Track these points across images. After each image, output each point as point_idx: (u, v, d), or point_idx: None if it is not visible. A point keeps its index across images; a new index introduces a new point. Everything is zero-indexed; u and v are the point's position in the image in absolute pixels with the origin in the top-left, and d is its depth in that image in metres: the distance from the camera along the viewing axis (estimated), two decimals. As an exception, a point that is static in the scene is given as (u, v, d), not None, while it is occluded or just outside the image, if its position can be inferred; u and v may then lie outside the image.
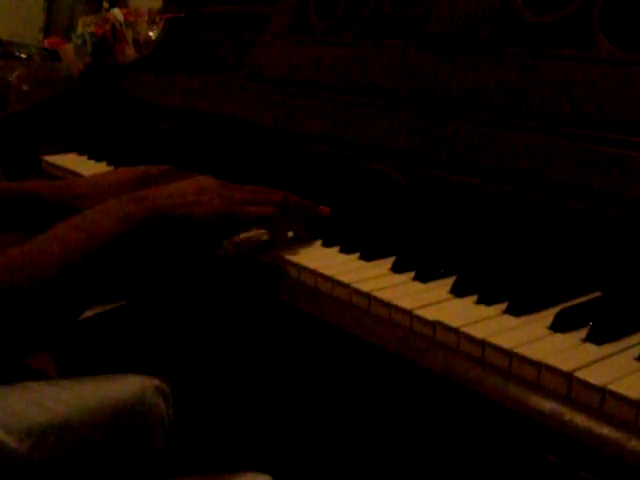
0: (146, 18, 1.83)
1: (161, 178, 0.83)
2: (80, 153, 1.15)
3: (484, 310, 0.56)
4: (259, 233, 0.73)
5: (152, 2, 1.89)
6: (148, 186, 0.73)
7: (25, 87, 1.44)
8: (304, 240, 0.72)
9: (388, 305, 0.57)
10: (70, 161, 1.11)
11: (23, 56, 1.82)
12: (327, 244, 0.70)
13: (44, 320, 0.58)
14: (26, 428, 0.49)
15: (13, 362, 0.58)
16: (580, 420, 0.44)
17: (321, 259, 0.67)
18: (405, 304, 0.56)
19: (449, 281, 0.60)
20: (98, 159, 1.11)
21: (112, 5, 2.17)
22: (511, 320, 0.54)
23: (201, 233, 0.66)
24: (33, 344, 0.60)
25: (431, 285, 0.61)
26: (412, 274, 0.63)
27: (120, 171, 0.89)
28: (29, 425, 0.50)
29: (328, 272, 0.63)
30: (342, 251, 0.69)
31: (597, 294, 0.59)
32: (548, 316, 0.53)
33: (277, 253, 0.69)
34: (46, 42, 2.17)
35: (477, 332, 0.51)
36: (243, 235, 0.72)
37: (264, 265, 0.69)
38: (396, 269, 0.64)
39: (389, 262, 0.65)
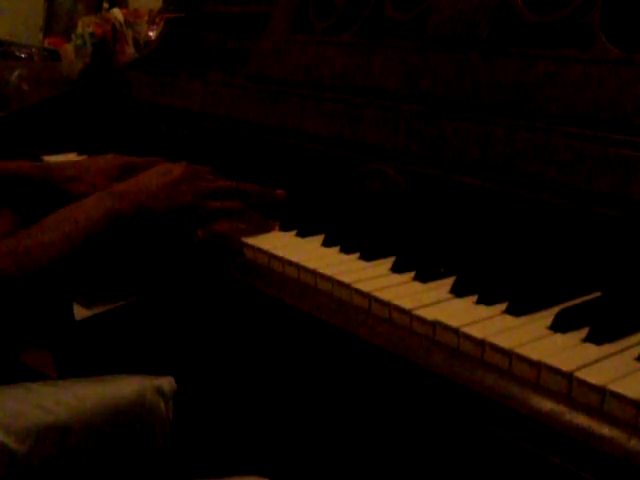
0: (146, 18, 1.83)
1: (146, 168, 0.83)
2: (80, 153, 1.15)
3: (484, 310, 0.56)
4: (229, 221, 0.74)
5: (152, 2, 1.89)
6: (132, 174, 0.74)
7: (25, 87, 1.44)
8: (262, 227, 0.74)
9: (388, 305, 0.57)
10: (70, 161, 1.11)
11: (23, 56, 1.82)
12: (327, 244, 0.70)
13: (32, 310, 0.59)
14: (26, 429, 0.49)
15: (2, 357, 0.59)
16: (580, 420, 0.44)
17: (321, 259, 0.67)
18: (405, 304, 0.56)
19: (449, 281, 0.60)
20: (98, 159, 1.11)
21: (112, 5, 2.16)
22: (511, 320, 0.54)
23: (177, 225, 0.68)
24: (21, 337, 0.60)
25: (431, 285, 0.61)
26: (412, 274, 0.62)
27: (107, 157, 0.90)
28: (29, 426, 0.50)
29: (328, 272, 0.63)
30: (342, 251, 0.69)
31: (597, 294, 0.59)
32: (548, 316, 0.53)
33: (275, 252, 0.68)
34: (46, 42, 2.17)
35: (477, 332, 0.51)
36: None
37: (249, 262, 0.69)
38: (396, 269, 0.64)
39: (389, 262, 0.65)
